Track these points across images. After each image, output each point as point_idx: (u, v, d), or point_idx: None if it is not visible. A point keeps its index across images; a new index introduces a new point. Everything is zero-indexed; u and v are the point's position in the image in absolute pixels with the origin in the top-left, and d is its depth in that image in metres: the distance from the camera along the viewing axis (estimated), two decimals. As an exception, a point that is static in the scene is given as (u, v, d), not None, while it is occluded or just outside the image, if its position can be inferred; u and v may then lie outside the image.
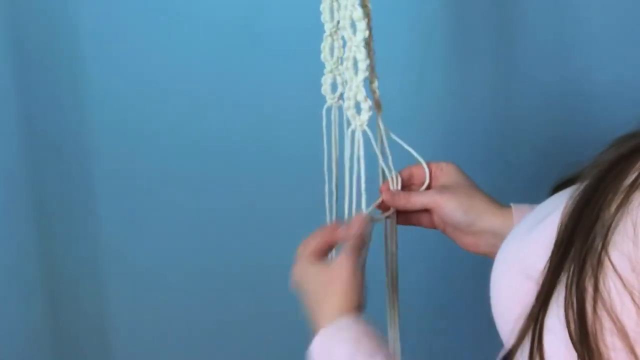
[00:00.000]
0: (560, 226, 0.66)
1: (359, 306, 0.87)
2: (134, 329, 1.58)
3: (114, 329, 1.57)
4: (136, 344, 1.59)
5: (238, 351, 1.58)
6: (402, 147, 1.01)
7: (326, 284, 0.87)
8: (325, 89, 1.03)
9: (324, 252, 0.92)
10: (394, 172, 1.01)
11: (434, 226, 1.02)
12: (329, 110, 1.04)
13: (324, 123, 1.04)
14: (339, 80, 1.01)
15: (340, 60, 1.01)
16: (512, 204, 0.97)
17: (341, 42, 1.00)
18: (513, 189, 1.41)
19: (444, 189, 0.99)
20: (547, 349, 0.64)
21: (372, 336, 0.83)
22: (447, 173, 1.01)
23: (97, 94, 1.45)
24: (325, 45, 1.01)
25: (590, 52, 1.40)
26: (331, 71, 1.01)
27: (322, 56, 1.02)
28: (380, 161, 1.00)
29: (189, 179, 1.49)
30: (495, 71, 1.44)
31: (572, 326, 0.62)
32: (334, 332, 0.84)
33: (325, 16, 1.00)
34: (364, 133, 0.96)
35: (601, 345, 0.60)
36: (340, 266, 0.87)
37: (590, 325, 0.61)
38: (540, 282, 0.65)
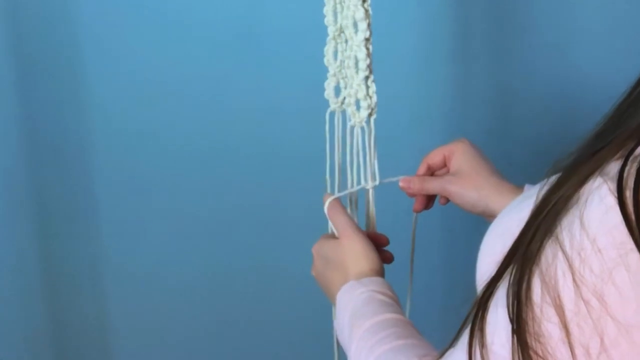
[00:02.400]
0: (531, 213, 0.67)
1: (378, 269, 0.95)
2: (134, 329, 1.58)
3: (114, 329, 1.57)
4: (136, 344, 1.59)
5: (238, 351, 1.58)
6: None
7: (343, 261, 0.96)
8: (329, 93, 1.03)
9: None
10: (377, 174, 1.02)
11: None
12: (332, 114, 1.04)
13: (327, 127, 1.04)
14: (342, 84, 1.02)
15: (344, 63, 1.01)
16: (526, 185, 1.01)
17: (345, 45, 1.01)
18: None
19: (455, 177, 1.04)
20: (488, 319, 0.66)
21: (386, 294, 0.91)
22: (459, 157, 1.05)
23: (97, 94, 1.45)
24: (328, 49, 1.01)
25: (591, 52, 1.40)
26: (334, 75, 1.01)
27: (325, 60, 1.02)
28: (369, 161, 1.01)
29: (188, 179, 1.49)
30: (496, 71, 1.44)
31: (511, 296, 0.63)
32: (355, 285, 0.92)
33: (328, 19, 1.00)
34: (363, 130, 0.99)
35: (538, 315, 0.62)
36: (349, 243, 0.96)
37: (528, 298, 0.62)
38: (503, 256, 0.67)
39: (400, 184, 1.06)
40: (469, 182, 1.02)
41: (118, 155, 1.49)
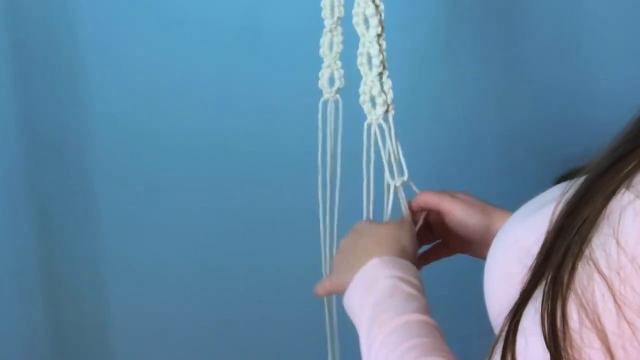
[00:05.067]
0: (550, 227, 0.65)
1: (413, 261, 0.93)
2: (134, 329, 1.57)
3: (114, 329, 1.57)
4: (136, 344, 1.58)
5: (238, 351, 1.58)
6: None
7: (391, 235, 0.95)
8: (323, 83, 1.04)
9: None
10: (406, 174, 1.01)
11: (454, 252, 1.05)
12: (325, 104, 1.05)
13: (319, 116, 1.05)
14: (336, 75, 1.03)
15: (339, 55, 1.02)
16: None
17: (340, 38, 1.02)
18: (514, 190, 1.40)
19: (454, 199, 1.01)
20: (518, 350, 0.63)
21: (412, 283, 0.88)
22: (451, 210, 1.02)
23: (97, 95, 1.45)
24: (324, 41, 1.03)
25: (591, 52, 1.40)
26: (329, 66, 1.03)
27: (321, 51, 1.03)
28: (384, 160, 1.00)
29: (188, 178, 1.49)
30: (495, 71, 1.44)
31: (547, 325, 0.61)
32: (380, 264, 0.90)
33: (325, 12, 1.02)
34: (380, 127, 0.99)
35: (578, 342, 0.60)
36: (406, 222, 0.97)
37: (566, 325, 0.60)
38: (526, 279, 0.65)
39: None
40: (469, 202, 1.00)
41: (118, 155, 1.49)
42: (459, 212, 0.99)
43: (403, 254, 0.92)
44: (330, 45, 1.02)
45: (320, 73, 1.04)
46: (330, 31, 1.02)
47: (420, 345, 0.79)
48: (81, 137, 1.47)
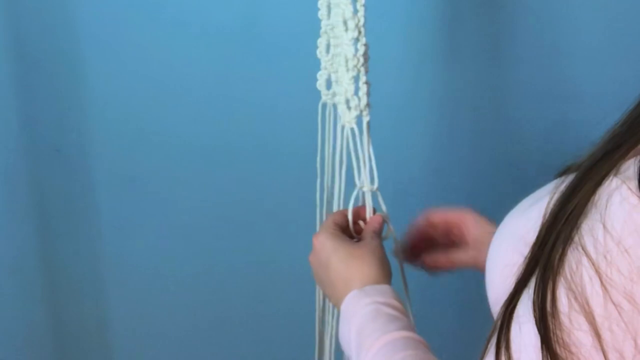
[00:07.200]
0: (543, 219, 0.67)
1: (389, 275, 0.93)
2: (134, 329, 1.58)
3: (114, 329, 1.57)
4: (136, 344, 1.59)
5: (238, 351, 1.58)
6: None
7: (359, 257, 0.92)
8: (321, 84, 1.03)
9: (345, 229, 0.99)
10: (374, 181, 1.01)
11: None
12: (324, 106, 1.05)
13: (319, 118, 1.04)
14: (333, 77, 1.02)
15: (335, 58, 1.02)
16: None
17: (336, 40, 1.01)
18: (513, 190, 1.40)
19: (479, 244, 1.00)
20: (512, 337, 0.65)
21: (393, 305, 0.87)
22: (473, 226, 1.02)
23: (97, 95, 1.45)
24: (321, 42, 1.02)
25: (590, 52, 1.40)
26: (326, 68, 1.02)
27: (317, 52, 1.02)
28: (354, 164, 1.00)
29: (188, 178, 1.49)
30: (493, 72, 1.43)
31: (537, 309, 0.63)
32: (358, 295, 0.89)
33: (322, 13, 1.01)
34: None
35: (567, 324, 0.61)
36: (372, 243, 0.94)
37: (555, 309, 0.61)
38: (521, 268, 0.67)
39: (425, 260, 1.04)
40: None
41: (118, 155, 1.49)
42: None
43: (380, 277, 0.92)
44: (326, 47, 1.02)
45: (318, 74, 1.03)
46: (326, 32, 1.01)
47: (408, 357, 0.81)
48: (81, 137, 1.48)
